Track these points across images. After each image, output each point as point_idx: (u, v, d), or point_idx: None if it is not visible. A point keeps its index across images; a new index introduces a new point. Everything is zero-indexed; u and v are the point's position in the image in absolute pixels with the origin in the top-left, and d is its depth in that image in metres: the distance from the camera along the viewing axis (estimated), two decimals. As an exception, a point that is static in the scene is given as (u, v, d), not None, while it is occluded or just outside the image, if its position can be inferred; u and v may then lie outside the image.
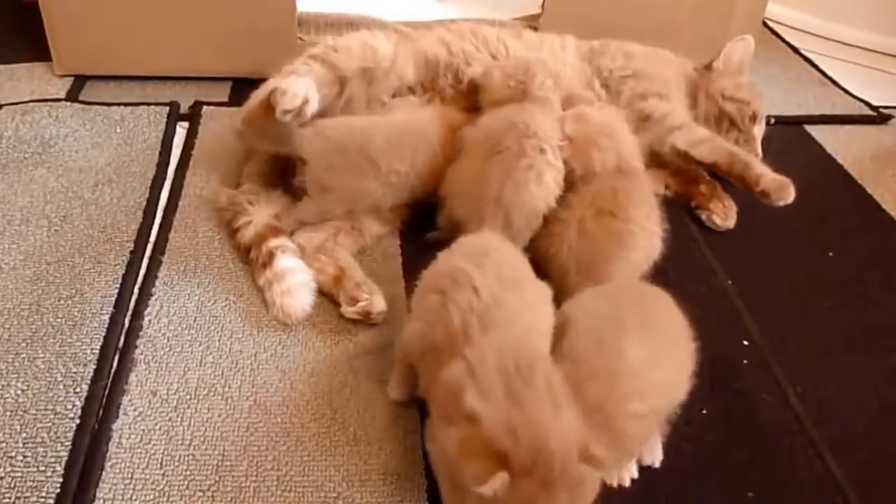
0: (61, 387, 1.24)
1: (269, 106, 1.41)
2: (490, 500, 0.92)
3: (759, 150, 1.83)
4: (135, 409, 1.23)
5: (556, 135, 1.49)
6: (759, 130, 1.84)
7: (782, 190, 1.62)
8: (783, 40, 2.65)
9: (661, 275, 1.43)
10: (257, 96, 1.50)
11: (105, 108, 1.93)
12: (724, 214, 1.70)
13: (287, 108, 1.38)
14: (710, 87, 1.85)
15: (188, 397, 1.25)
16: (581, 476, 0.93)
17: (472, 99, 1.65)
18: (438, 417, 1.05)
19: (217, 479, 1.14)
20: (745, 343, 1.43)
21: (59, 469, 1.13)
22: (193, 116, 1.93)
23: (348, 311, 1.39)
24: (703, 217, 1.71)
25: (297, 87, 1.40)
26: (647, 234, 1.42)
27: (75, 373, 1.27)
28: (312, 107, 1.42)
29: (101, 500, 1.10)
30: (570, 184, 1.48)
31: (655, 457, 1.20)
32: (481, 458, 0.92)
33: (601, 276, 1.37)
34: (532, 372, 1.00)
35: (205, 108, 1.96)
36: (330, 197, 1.49)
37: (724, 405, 1.30)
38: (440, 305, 1.13)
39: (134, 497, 1.11)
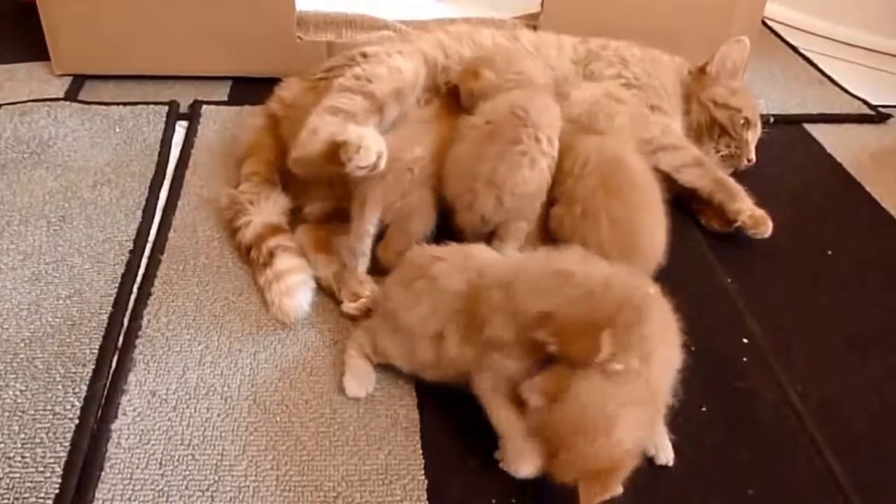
0: (60, 387, 1.24)
1: (332, 155, 1.37)
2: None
3: (752, 156, 1.82)
4: (134, 409, 1.22)
5: (554, 122, 1.50)
6: (752, 136, 1.83)
7: (759, 226, 1.63)
8: (783, 40, 2.65)
9: (661, 273, 1.43)
10: (312, 142, 1.46)
11: (104, 107, 1.93)
12: (721, 221, 1.69)
13: (362, 165, 1.34)
14: (701, 94, 1.84)
15: (187, 397, 1.25)
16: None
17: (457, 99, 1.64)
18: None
19: (216, 478, 1.13)
20: (746, 341, 1.43)
21: (58, 470, 1.13)
22: (193, 116, 1.93)
23: (349, 307, 1.39)
24: (703, 221, 1.71)
25: (371, 141, 1.35)
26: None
27: (74, 373, 1.27)
28: (384, 160, 1.38)
29: (101, 501, 1.09)
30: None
31: (668, 456, 1.20)
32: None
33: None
34: None
35: (204, 107, 1.96)
36: None
37: (724, 404, 1.30)
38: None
39: (133, 497, 1.10)
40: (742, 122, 1.80)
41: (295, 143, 1.49)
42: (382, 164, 1.37)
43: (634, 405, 1.01)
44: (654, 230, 1.46)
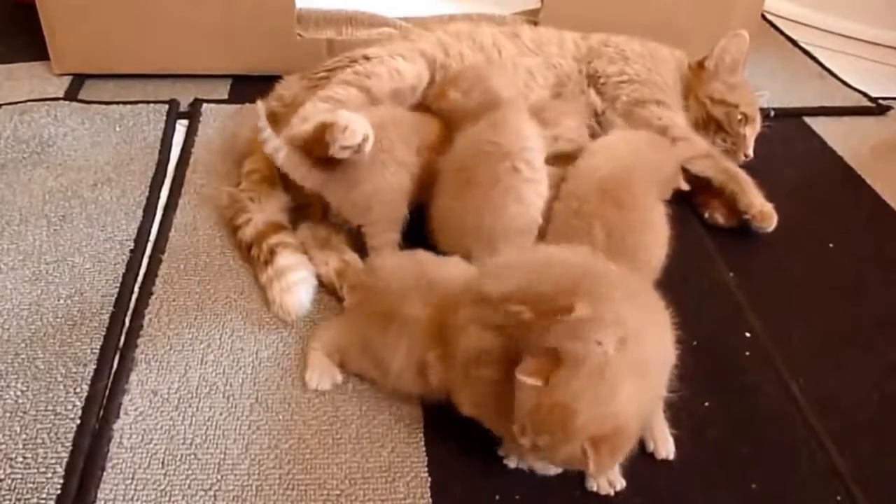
0: (61, 387, 1.24)
1: (319, 138, 1.37)
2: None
3: (750, 151, 1.82)
4: (136, 409, 1.22)
5: (529, 142, 1.44)
6: (751, 131, 1.83)
7: (766, 220, 1.65)
8: (782, 33, 2.65)
9: (662, 268, 1.43)
10: (302, 125, 1.46)
11: (104, 106, 1.93)
12: (726, 213, 1.69)
13: (346, 145, 1.35)
14: (699, 90, 1.84)
15: (189, 396, 1.25)
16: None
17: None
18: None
19: (219, 477, 1.14)
20: (747, 335, 1.43)
21: (60, 470, 1.13)
22: (193, 114, 1.93)
23: (350, 302, 1.39)
24: (706, 215, 1.71)
25: (358, 124, 1.36)
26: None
27: (75, 373, 1.27)
28: (370, 143, 1.38)
29: (103, 501, 1.10)
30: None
31: (669, 449, 1.20)
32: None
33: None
34: None
35: (204, 105, 1.96)
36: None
37: (726, 398, 1.30)
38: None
39: (135, 497, 1.10)
40: (739, 118, 1.80)
41: (286, 128, 1.50)
42: (368, 148, 1.37)
43: (629, 373, 1.01)
44: (650, 247, 1.44)
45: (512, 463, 1.17)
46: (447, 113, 1.54)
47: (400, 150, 1.46)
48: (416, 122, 1.54)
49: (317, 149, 1.40)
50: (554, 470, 1.16)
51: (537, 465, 1.16)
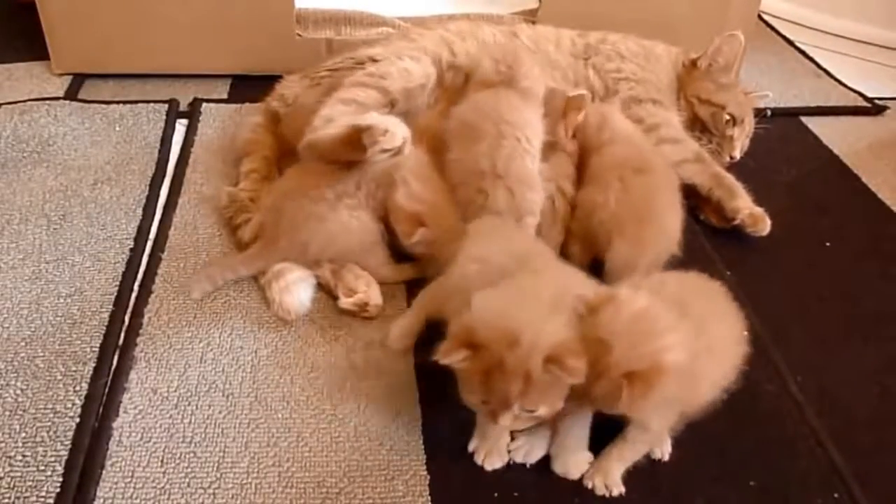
0: (61, 385, 1.25)
1: (353, 141, 1.37)
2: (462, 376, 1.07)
3: (736, 153, 1.82)
4: (135, 407, 1.23)
5: (535, 127, 1.49)
6: (739, 132, 1.82)
7: (757, 223, 1.64)
8: (778, 33, 2.66)
9: (661, 268, 1.43)
10: (327, 128, 1.46)
11: (104, 106, 1.93)
12: (718, 218, 1.69)
13: (387, 148, 1.35)
14: (688, 89, 1.84)
15: (189, 394, 1.25)
16: (542, 374, 1.02)
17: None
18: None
19: (218, 475, 1.14)
20: (745, 333, 1.43)
21: (59, 468, 1.13)
22: (192, 114, 1.93)
23: (345, 302, 1.39)
24: (702, 217, 1.71)
25: (396, 126, 1.37)
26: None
27: (75, 371, 1.27)
28: (409, 146, 1.39)
29: (102, 499, 1.10)
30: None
31: (664, 450, 1.21)
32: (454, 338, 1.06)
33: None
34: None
35: (204, 105, 1.97)
36: None
37: (724, 394, 1.30)
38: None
39: (135, 495, 1.11)
40: (726, 119, 1.80)
41: (308, 129, 1.49)
42: (407, 150, 1.38)
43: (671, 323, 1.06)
44: (665, 211, 1.48)
45: (479, 458, 1.17)
46: (478, 77, 1.58)
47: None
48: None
49: (347, 152, 1.40)
50: (535, 456, 1.17)
51: (519, 454, 1.17)
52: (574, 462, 1.17)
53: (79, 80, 2.05)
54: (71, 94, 1.98)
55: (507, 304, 1.07)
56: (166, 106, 1.94)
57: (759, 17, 2.62)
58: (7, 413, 1.20)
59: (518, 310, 1.06)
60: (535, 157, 1.48)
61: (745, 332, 1.22)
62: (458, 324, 1.07)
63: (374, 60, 1.67)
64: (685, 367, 1.04)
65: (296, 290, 1.40)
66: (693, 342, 1.07)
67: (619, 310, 1.05)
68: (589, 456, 1.17)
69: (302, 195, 1.42)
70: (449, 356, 1.04)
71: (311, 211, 1.41)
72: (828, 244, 1.68)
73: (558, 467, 1.17)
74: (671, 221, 1.48)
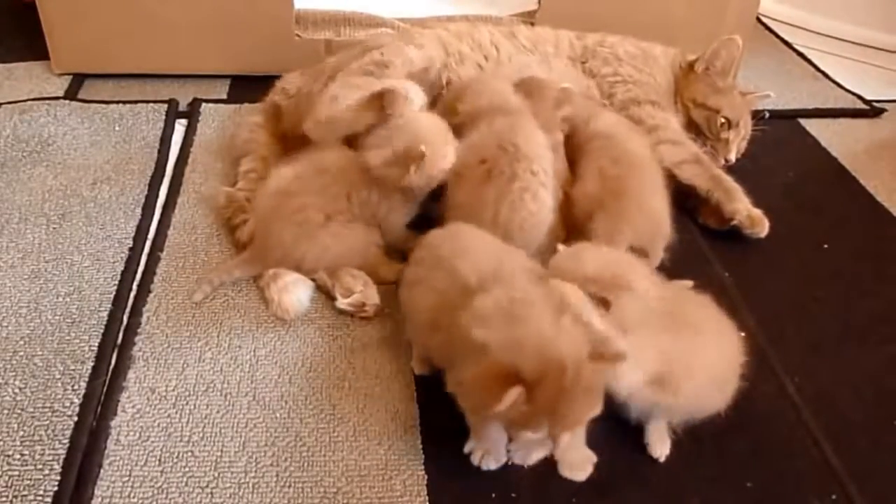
0: (59, 384, 1.25)
1: (375, 107, 1.45)
2: (517, 419, 1.00)
3: (732, 156, 1.82)
4: (133, 407, 1.23)
5: (545, 152, 1.47)
6: (734, 136, 1.82)
7: (755, 225, 1.64)
8: (777, 36, 2.66)
9: (659, 267, 1.44)
10: (333, 104, 1.52)
11: (103, 106, 1.93)
12: (716, 220, 1.69)
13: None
14: (684, 92, 1.84)
15: (187, 394, 1.25)
16: (594, 375, 1.01)
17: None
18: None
19: (216, 475, 1.14)
20: (742, 334, 1.43)
21: (57, 467, 1.13)
22: (192, 114, 1.93)
23: (342, 302, 1.39)
24: (700, 219, 1.71)
25: (414, 92, 1.44)
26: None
27: (73, 370, 1.27)
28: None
29: (100, 498, 1.10)
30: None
31: (663, 451, 1.21)
32: (495, 381, 0.97)
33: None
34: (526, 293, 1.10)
35: (203, 105, 1.97)
36: None
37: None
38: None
39: (132, 494, 1.11)
40: (721, 122, 1.80)
41: (316, 108, 1.53)
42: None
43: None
44: (645, 190, 1.51)
45: (475, 459, 1.17)
46: (461, 125, 1.54)
47: None
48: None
49: (366, 118, 1.45)
50: (535, 458, 1.16)
51: (518, 455, 1.17)
52: (580, 463, 1.16)
53: (79, 79, 2.05)
54: (71, 94, 1.98)
55: (524, 331, 1.03)
56: (166, 106, 1.95)
57: (758, 19, 2.63)
58: (5, 411, 1.20)
59: (537, 331, 1.03)
60: (550, 187, 1.46)
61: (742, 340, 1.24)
62: (490, 370, 1.01)
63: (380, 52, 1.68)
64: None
65: (294, 289, 1.40)
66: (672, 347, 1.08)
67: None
68: (592, 456, 1.17)
69: (287, 219, 1.41)
70: (506, 401, 0.96)
71: (300, 233, 1.41)
72: (825, 246, 1.68)
73: (566, 471, 1.17)
74: (654, 203, 1.51)
